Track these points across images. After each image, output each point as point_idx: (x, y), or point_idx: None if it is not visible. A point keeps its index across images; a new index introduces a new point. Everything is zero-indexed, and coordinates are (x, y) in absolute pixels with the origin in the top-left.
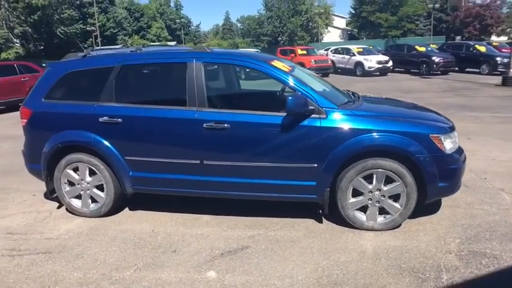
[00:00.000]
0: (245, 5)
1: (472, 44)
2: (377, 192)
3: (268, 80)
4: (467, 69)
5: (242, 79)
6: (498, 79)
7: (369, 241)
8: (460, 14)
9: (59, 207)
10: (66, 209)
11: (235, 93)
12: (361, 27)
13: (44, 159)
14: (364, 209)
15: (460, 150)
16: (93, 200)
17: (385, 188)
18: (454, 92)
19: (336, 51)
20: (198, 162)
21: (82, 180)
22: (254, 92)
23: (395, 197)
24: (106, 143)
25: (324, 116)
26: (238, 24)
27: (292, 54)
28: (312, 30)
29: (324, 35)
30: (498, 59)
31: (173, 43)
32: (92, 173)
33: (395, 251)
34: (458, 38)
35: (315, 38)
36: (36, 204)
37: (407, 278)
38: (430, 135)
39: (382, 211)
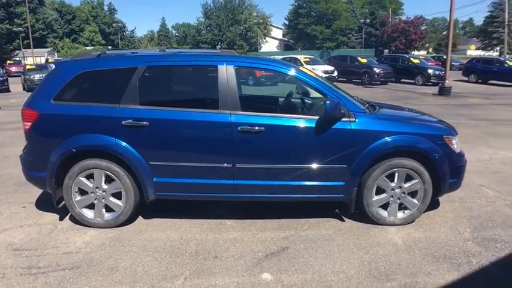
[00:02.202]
0: (181, 12)
1: (407, 57)
2: (398, 190)
3: (273, 85)
4: (402, 80)
5: (249, 85)
6: (433, 89)
7: (395, 235)
8: (388, 29)
9: (61, 219)
10: (71, 220)
11: (263, 96)
12: (297, 38)
13: (52, 166)
14: (385, 205)
15: (462, 151)
16: (107, 209)
17: (405, 186)
18: (400, 100)
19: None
20: (230, 165)
21: (97, 188)
22: (282, 97)
23: (413, 194)
24: (129, 147)
25: (354, 119)
26: (173, 31)
27: None
28: (251, 39)
29: (262, 44)
30: (430, 71)
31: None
32: (107, 180)
33: (422, 242)
34: (386, 51)
35: (254, 48)
36: (31, 216)
37: (444, 264)
38: (444, 136)
39: (400, 207)
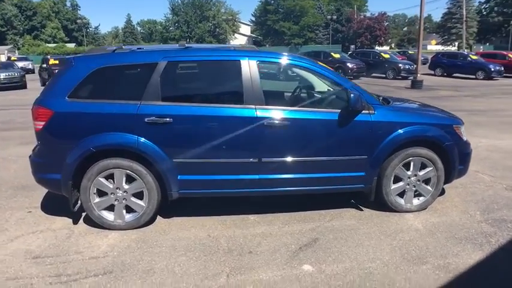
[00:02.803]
0: (147, 8)
1: (378, 52)
2: (413, 178)
3: (281, 81)
4: (373, 74)
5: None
6: (404, 83)
7: (414, 221)
8: (354, 26)
9: (75, 223)
10: (87, 223)
11: (284, 91)
12: (266, 34)
13: (69, 167)
14: (401, 193)
15: (467, 139)
16: (128, 210)
17: (420, 174)
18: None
19: None
20: (256, 160)
21: (117, 188)
22: (301, 90)
23: (427, 181)
24: (152, 144)
25: (373, 111)
26: (139, 28)
27: None
28: (220, 36)
29: (231, 41)
30: (400, 65)
31: (72, 45)
32: (128, 179)
33: (441, 226)
34: (352, 46)
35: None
36: (41, 221)
37: (468, 245)
38: (454, 126)
39: (415, 194)
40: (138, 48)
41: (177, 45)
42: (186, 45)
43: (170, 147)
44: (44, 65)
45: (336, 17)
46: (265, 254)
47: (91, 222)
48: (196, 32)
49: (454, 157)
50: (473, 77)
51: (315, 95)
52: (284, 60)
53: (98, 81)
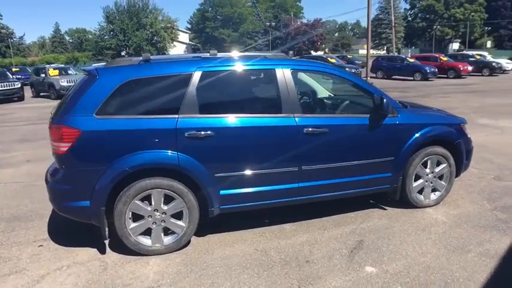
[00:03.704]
0: (76, 17)
1: (325, 57)
2: (431, 175)
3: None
4: None
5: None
6: None
7: (437, 215)
8: (292, 32)
9: (102, 252)
10: (114, 251)
11: (314, 98)
12: (205, 41)
13: (102, 192)
14: (420, 190)
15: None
16: (166, 233)
17: (436, 170)
18: None
19: None
20: (296, 169)
21: (156, 210)
22: (329, 97)
23: (441, 177)
24: (194, 161)
25: (397, 114)
26: (67, 37)
27: None
28: (158, 44)
29: (170, 49)
30: (347, 69)
31: None
32: (166, 199)
33: (462, 217)
34: (291, 52)
35: (161, 52)
36: (61, 255)
37: (494, 232)
38: (461, 124)
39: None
40: (166, 58)
41: (208, 54)
42: (214, 54)
43: (211, 162)
44: None
45: (274, 23)
46: (322, 261)
47: (121, 249)
48: (133, 41)
49: (463, 153)
50: (411, 78)
51: (346, 101)
52: (315, 68)
53: (127, 95)
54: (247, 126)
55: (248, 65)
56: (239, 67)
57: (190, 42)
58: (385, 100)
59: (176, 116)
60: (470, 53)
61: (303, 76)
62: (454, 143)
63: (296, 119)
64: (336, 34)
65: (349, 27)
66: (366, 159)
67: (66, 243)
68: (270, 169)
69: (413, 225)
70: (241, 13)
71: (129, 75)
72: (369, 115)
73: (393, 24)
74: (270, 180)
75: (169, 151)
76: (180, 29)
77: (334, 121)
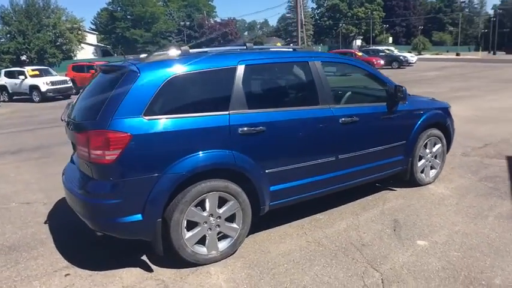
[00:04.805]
0: None
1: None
2: (429, 155)
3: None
4: None
5: None
6: None
7: (440, 189)
8: (206, 31)
9: (149, 270)
10: (160, 265)
11: (340, 88)
12: (116, 43)
13: (158, 202)
14: (422, 170)
15: None
16: (219, 238)
17: (434, 150)
18: None
19: None
20: (334, 158)
21: (211, 215)
22: (350, 87)
23: (435, 156)
24: (248, 158)
25: (406, 101)
26: None
27: (93, 71)
28: (63, 46)
29: (77, 51)
30: None
31: None
32: (220, 202)
33: (461, 189)
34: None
35: (68, 55)
36: (103, 281)
37: (493, 198)
38: (448, 108)
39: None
40: (205, 51)
41: (245, 47)
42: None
43: (263, 158)
44: None
45: (189, 23)
46: (376, 242)
47: (164, 263)
48: (35, 43)
49: (451, 133)
50: None
51: (367, 90)
52: (341, 60)
53: (174, 92)
54: (293, 119)
55: (284, 58)
56: (276, 60)
57: (99, 44)
58: (403, 89)
59: (227, 112)
60: (380, 48)
61: (346, 69)
62: (446, 124)
63: (332, 110)
64: (246, 33)
65: (258, 26)
66: (387, 144)
67: (96, 267)
68: (313, 160)
69: (428, 200)
70: (153, 12)
71: (174, 71)
72: (385, 103)
73: (303, 23)
74: (312, 172)
75: (225, 150)
76: (87, 30)
77: (362, 110)
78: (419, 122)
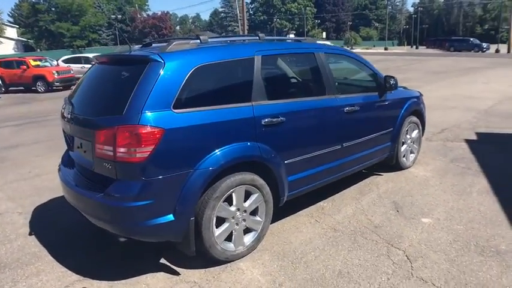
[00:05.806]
0: None
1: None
2: (409, 140)
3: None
4: None
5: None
6: None
7: (422, 172)
8: (139, 25)
9: (175, 273)
10: (182, 266)
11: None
12: (39, 37)
13: (190, 199)
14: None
15: None
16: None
17: (413, 135)
18: None
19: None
20: (339, 146)
21: (238, 210)
22: (345, 78)
23: (413, 141)
24: (271, 149)
25: (395, 90)
26: None
27: (24, 66)
28: None
29: None
30: None
31: None
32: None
33: (439, 170)
34: (137, 47)
35: None
36: None
37: (469, 176)
38: (420, 97)
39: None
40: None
41: (257, 37)
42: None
43: (282, 149)
44: None
45: (120, 16)
46: (386, 223)
47: (191, 264)
48: None
49: (425, 120)
50: None
51: (362, 80)
52: (339, 51)
53: (199, 84)
54: (308, 109)
55: (293, 49)
56: (287, 51)
57: (20, 38)
58: (394, 78)
59: (250, 103)
60: (322, 43)
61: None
62: (421, 112)
63: (337, 99)
64: (178, 27)
65: (190, 21)
66: (380, 131)
67: (112, 276)
68: (324, 149)
69: (415, 182)
70: (81, 5)
71: (199, 60)
72: (377, 92)
73: (239, 17)
74: (323, 160)
75: (250, 142)
76: (6, 23)
77: (360, 99)
78: (402, 111)
